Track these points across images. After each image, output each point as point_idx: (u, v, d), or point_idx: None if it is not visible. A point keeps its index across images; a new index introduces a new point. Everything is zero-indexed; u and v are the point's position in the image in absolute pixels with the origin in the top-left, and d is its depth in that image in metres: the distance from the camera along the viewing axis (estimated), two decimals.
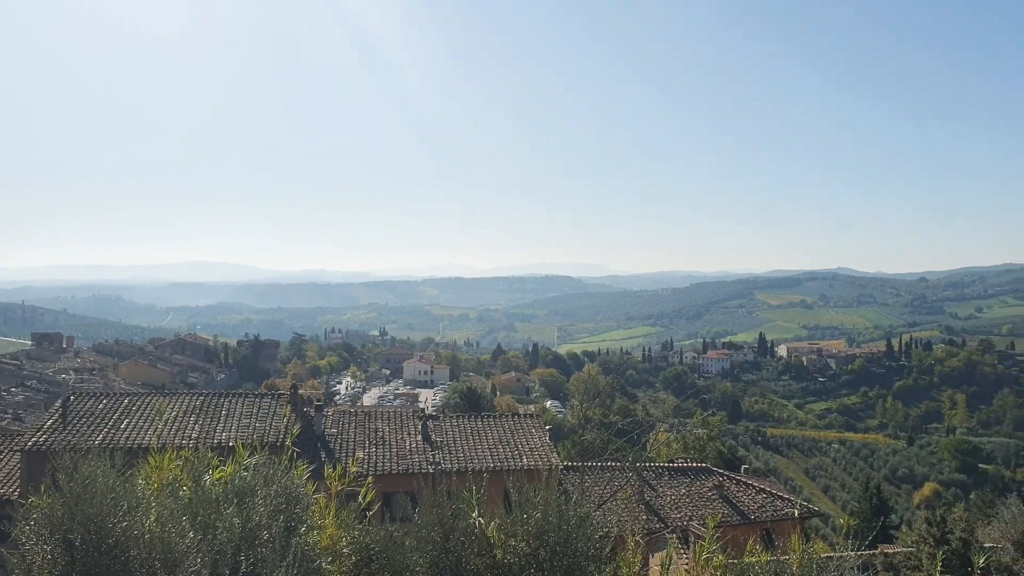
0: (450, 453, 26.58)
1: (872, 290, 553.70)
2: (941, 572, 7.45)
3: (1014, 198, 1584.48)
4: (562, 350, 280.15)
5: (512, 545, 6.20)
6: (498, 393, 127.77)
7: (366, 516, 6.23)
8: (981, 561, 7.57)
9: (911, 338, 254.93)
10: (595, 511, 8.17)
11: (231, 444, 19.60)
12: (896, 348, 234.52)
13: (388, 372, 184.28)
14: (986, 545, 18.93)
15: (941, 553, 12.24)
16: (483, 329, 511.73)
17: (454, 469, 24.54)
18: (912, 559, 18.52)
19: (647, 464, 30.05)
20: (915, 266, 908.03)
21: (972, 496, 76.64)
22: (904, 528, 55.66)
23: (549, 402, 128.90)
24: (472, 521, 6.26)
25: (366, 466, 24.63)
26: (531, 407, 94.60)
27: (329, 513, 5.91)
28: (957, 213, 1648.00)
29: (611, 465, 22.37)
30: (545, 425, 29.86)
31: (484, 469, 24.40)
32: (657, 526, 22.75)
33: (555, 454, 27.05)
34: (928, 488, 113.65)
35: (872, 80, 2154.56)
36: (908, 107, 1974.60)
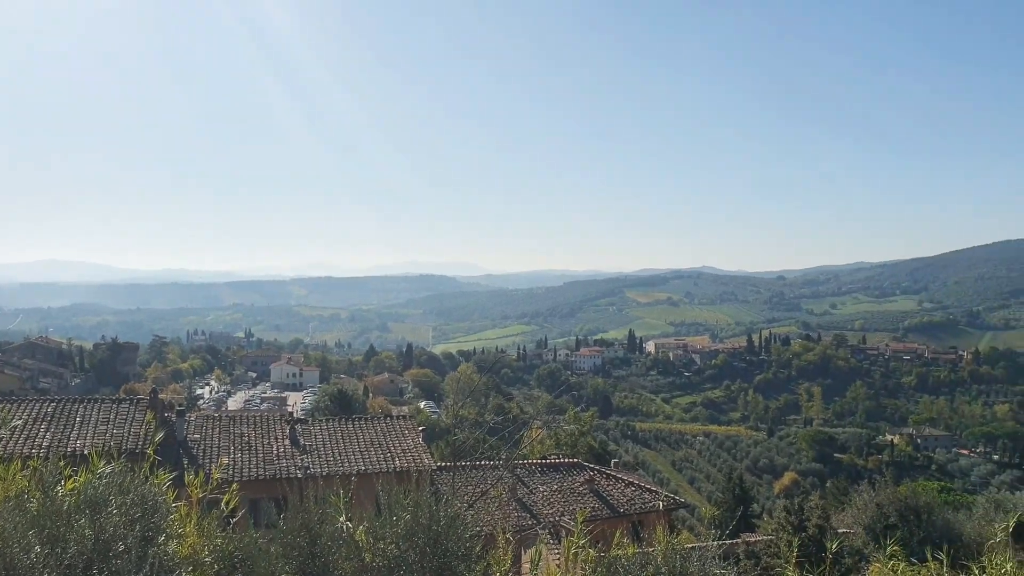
0: (320, 457, 26.13)
1: (734, 288, 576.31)
2: (798, 558, 7.80)
3: (865, 202, 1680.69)
4: (437, 350, 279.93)
5: (381, 548, 6.15)
6: (371, 395, 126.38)
7: (230, 523, 6.07)
8: (834, 546, 7.96)
9: (770, 334, 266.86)
10: (466, 511, 8.20)
11: (85, 452, 18.66)
12: (756, 343, 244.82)
13: (255, 375, 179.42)
14: (840, 531, 20.01)
15: (798, 540, 12.83)
16: (355, 330, 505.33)
17: (323, 473, 24.15)
18: (772, 546, 19.41)
19: (521, 462, 30.38)
20: (774, 265, 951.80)
21: (828, 484, 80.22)
22: (765, 517, 58.04)
23: (423, 403, 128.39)
24: (340, 525, 6.19)
25: (231, 472, 23.92)
26: (405, 408, 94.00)
27: (190, 521, 5.72)
28: (813, 215, 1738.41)
29: (485, 464, 22.51)
30: (419, 426, 29.74)
31: (354, 472, 24.12)
32: (529, 523, 23.02)
33: (428, 455, 27.00)
34: (787, 477, 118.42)
35: (735, 82, 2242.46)
36: (769, 111, 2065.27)
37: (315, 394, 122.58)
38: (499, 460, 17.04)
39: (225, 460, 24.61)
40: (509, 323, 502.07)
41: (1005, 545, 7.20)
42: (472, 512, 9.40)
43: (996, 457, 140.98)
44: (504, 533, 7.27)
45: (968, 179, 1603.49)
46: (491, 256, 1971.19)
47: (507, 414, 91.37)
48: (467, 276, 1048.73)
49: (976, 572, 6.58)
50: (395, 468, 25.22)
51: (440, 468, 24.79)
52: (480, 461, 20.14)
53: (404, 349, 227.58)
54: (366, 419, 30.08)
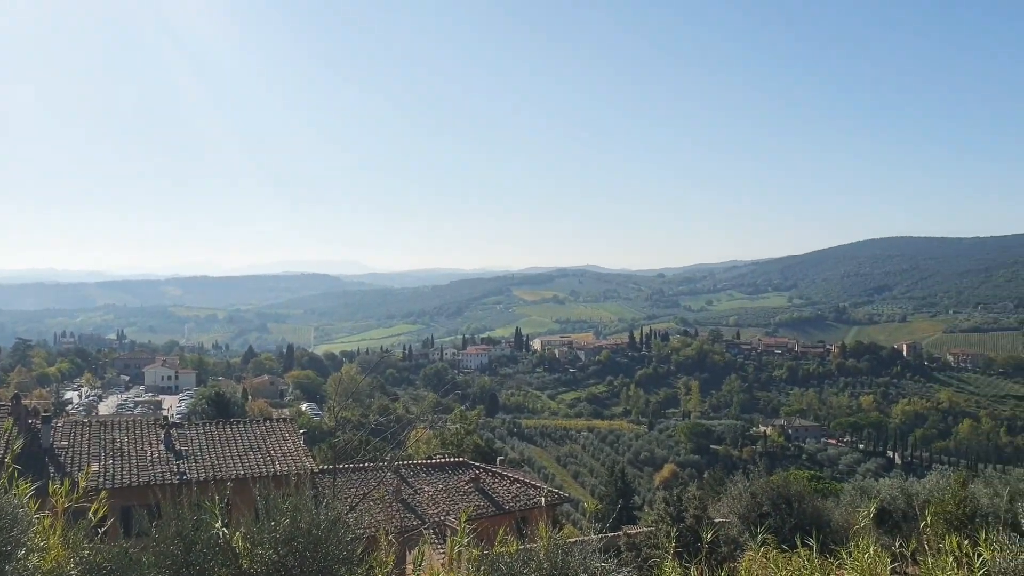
0: (196, 462, 25.28)
1: (616, 286, 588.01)
2: (676, 548, 8.00)
3: (738, 203, 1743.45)
4: (319, 351, 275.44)
5: (259, 554, 6.00)
6: (250, 397, 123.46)
7: (99, 533, 5.79)
8: (709, 536, 8.20)
9: (651, 330, 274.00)
10: (348, 513, 8.07)
11: None
12: (638, 339, 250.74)
13: (128, 378, 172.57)
14: (716, 520, 20.62)
15: (677, 531, 13.14)
16: (233, 331, 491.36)
17: (200, 479, 23.38)
18: (652, 538, 19.82)
19: (405, 462, 30.19)
20: (655, 263, 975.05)
21: (705, 475, 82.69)
22: (646, 508, 59.58)
23: (305, 405, 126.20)
24: (216, 532, 5.99)
25: (101, 480, 22.89)
26: (285, 411, 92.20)
27: (54, 533, 5.43)
28: (690, 215, 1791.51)
29: (368, 465, 22.27)
30: (300, 429, 29.17)
31: (232, 477, 23.45)
32: (414, 523, 22.87)
33: (310, 458, 26.50)
34: (667, 469, 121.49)
35: (612, 84, 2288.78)
36: (644, 115, 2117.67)
37: (192, 397, 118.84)
38: (383, 461, 16.91)
39: (95, 467, 23.53)
40: (395, 323, 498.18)
41: (869, 529, 7.58)
42: (354, 515, 9.27)
43: (861, 446, 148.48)
44: (387, 534, 7.21)
45: (834, 180, 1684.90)
46: (376, 254, 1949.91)
47: (392, 414, 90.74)
48: (351, 275, 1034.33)
49: (843, 556, 6.91)
50: (275, 472, 24.63)
51: (322, 471, 24.36)
52: (363, 463, 19.94)
53: (285, 350, 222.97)
54: (245, 422, 29.27)
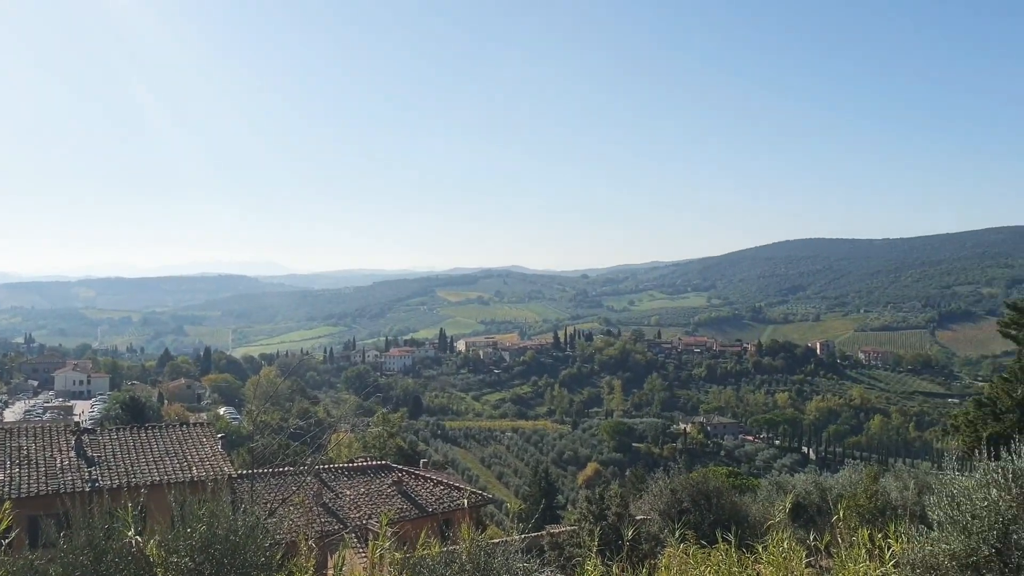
0: (109, 469, 24.49)
1: (541, 286, 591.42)
2: (599, 546, 8.06)
3: (660, 205, 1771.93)
4: (238, 353, 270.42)
5: (174, 562, 5.86)
6: (166, 402, 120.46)
7: (2, 545, 5.59)
8: (630, 533, 8.28)
9: (575, 330, 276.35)
10: (267, 519, 7.94)
11: None
12: (562, 340, 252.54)
13: (36, 383, 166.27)
14: (637, 517, 20.88)
15: (599, 529, 13.25)
16: (148, 333, 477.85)
17: (113, 486, 22.68)
18: (575, 536, 20.00)
19: (326, 466, 29.84)
20: (579, 264, 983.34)
21: (627, 473, 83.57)
22: (569, 507, 60.05)
23: (223, 409, 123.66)
24: (129, 540, 5.83)
25: (6, 489, 22.01)
26: (203, 415, 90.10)
27: None
28: (613, 217, 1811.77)
29: (288, 470, 21.93)
30: (218, 433, 28.58)
31: (147, 484, 22.80)
32: (336, 527, 22.62)
33: (228, 463, 25.94)
34: (590, 468, 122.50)
35: (538, 86, 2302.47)
36: (568, 116, 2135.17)
37: (105, 402, 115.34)
38: (303, 465, 16.68)
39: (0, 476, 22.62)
40: (315, 324, 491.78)
41: (785, 524, 7.75)
42: (273, 520, 9.13)
43: (777, 442, 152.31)
44: (307, 539, 7.10)
45: (751, 183, 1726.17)
46: (296, 255, 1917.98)
47: (312, 418, 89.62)
48: (270, 276, 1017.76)
49: (759, 550, 7.06)
50: (192, 478, 24.04)
51: (240, 476, 23.87)
52: (283, 467, 19.65)
53: (202, 353, 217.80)
54: (160, 427, 28.49)
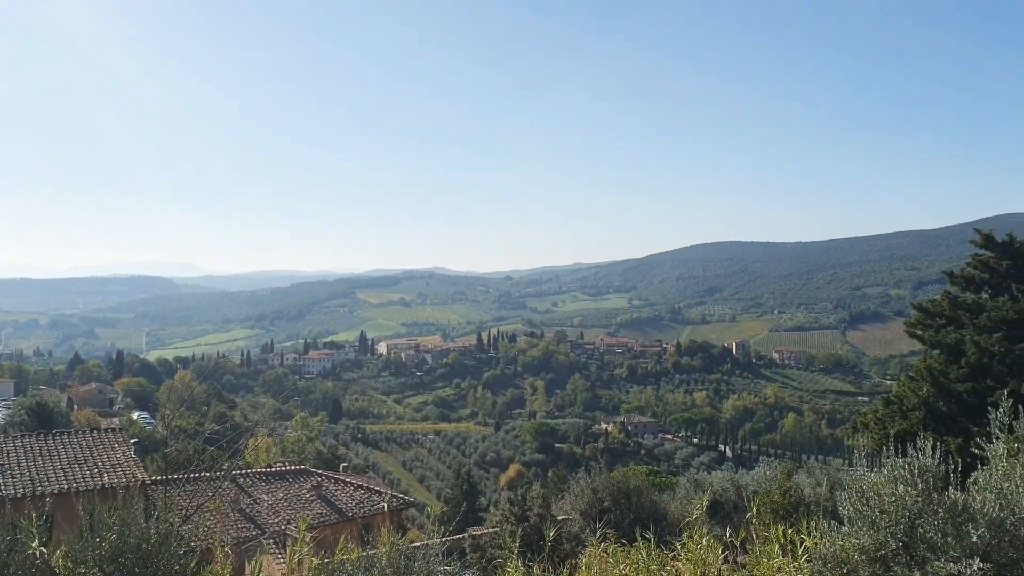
0: (13, 477, 23.57)
1: (464, 288, 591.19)
2: (520, 548, 8.08)
3: (583, 207, 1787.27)
4: (152, 357, 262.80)
5: (82, 572, 5.68)
6: (76, 407, 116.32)
7: None
8: (552, 534, 8.32)
9: (499, 331, 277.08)
10: (181, 526, 7.73)
11: None
12: (486, 341, 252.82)
13: None
14: (559, 518, 21.00)
15: (520, 530, 13.27)
16: (57, 336, 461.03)
17: (17, 495, 21.82)
18: (497, 538, 19.99)
19: (244, 471, 29.30)
20: (502, 265, 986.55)
21: (550, 474, 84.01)
22: (492, 509, 60.03)
23: (136, 413, 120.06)
24: (33, 551, 5.62)
25: None
26: (115, 420, 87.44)
27: None
28: (537, 219, 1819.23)
29: (204, 475, 21.43)
30: (130, 439, 27.77)
31: (54, 492, 22.01)
32: (253, 533, 22.21)
33: (141, 469, 25.23)
34: (513, 469, 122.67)
35: (455, 83, 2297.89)
36: (489, 117, 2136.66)
37: (9, 408, 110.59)
38: (219, 470, 16.31)
39: None
40: (232, 327, 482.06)
41: (702, 521, 7.89)
42: (188, 527, 8.91)
43: (696, 440, 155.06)
44: (223, 546, 6.95)
45: (669, 187, 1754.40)
46: (212, 256, 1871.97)
47: (229, 422, 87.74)
48: (185, 277, 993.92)
49: (678, 547, 7.17)
50: (102, 485, 23.30)
51: (154, 482, 23.23)
52: (198, 473, 19.15)
53: (114, 356, 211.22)
54: (69, 433, 27.53)
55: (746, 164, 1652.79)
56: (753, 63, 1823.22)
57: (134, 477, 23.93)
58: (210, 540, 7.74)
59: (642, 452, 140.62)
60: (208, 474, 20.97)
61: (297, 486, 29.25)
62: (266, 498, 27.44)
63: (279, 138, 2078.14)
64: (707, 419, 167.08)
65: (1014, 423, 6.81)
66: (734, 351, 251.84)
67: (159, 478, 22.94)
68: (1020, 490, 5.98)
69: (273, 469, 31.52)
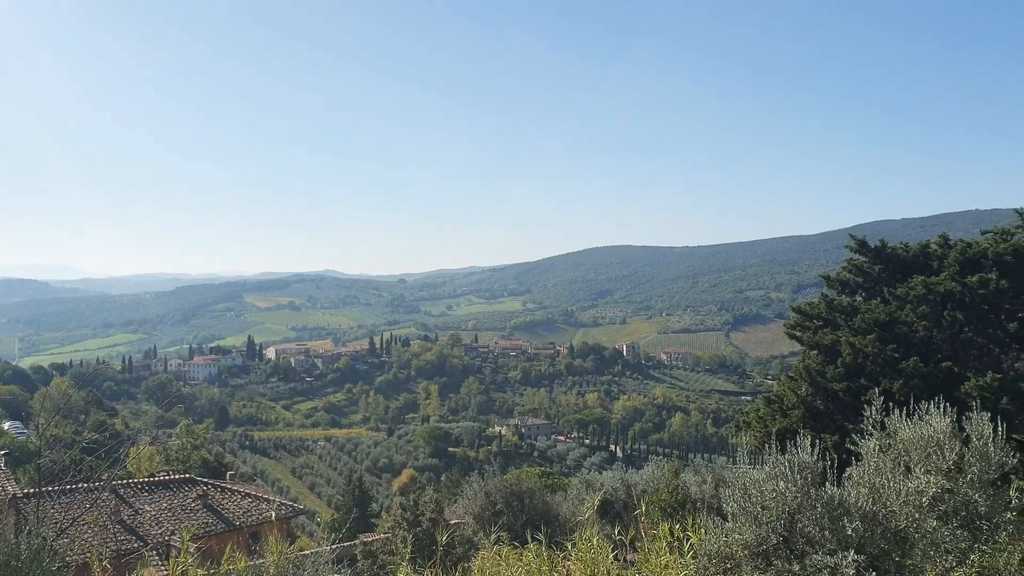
0: None
1: (356, 291, 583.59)
2: (412, 553, 8.01)
3: (476, 210, 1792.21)
4: (25, 363, 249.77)
5: None
6: None
7: None
8: (444, 538, 8.28)
9: (391, 335, 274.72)
10: (56, 540, 7.39)
11: None
12: (378, 345, 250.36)
13: None
14: (452, 522, 20.98)
15: (412, 535, 13.20)
16: None
17: None
18: (389, 544, 19.84)
19: (125, 481, 28.22)
20: (396, 268, 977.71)
21: (443, 478, 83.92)
22: (384, 515, 59.47)
23: (8, 423, 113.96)
24: None
25: None
26: None
27: None
28: (430, 221, 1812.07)
29: (81, 487, 20.53)
30: (1, 450, 26.41)
31: None
32: (135, 545, 21.40)
33: (12, 481, 23.97)
34: (405, 474, 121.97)
35: (344, 83, 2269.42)
36: (381, 119, 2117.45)
37: None
38: (98, 481, 15.61)
39: None
40: (113, 332, 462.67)
41: (593, 521, 7.99)
42: (63, 540, 8.53)
43: (588, 441, 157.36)
44: (100, 559, 6.66)
45: (560, 190, 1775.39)
46: (92, 258, 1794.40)
47: (109, 430, 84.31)
48: (62, 280, 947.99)
49: (568, 547, 7.24)
50: None
51: (26, 495, 22.10)
52: (75, 484, 18.32)
53: None
54: None
55: (637, 169, 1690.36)
56: (642, 68, 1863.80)
57: (3, 490, 22.71)
58: (87, 554, 7.43)
59: (535, 454, 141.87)
60: (86, 485, 20.09)
61: (182, 495, 28.34)
62: (149, 509, 26.47)
63: (159, 138, 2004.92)
64: (598, 420, 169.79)
65: (886, 420, 7.15)
66: (624, 353, 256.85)
67: (32, 490, 21.84)
68: (890, 484, 6.29)
69: (156, 478, 30.46)
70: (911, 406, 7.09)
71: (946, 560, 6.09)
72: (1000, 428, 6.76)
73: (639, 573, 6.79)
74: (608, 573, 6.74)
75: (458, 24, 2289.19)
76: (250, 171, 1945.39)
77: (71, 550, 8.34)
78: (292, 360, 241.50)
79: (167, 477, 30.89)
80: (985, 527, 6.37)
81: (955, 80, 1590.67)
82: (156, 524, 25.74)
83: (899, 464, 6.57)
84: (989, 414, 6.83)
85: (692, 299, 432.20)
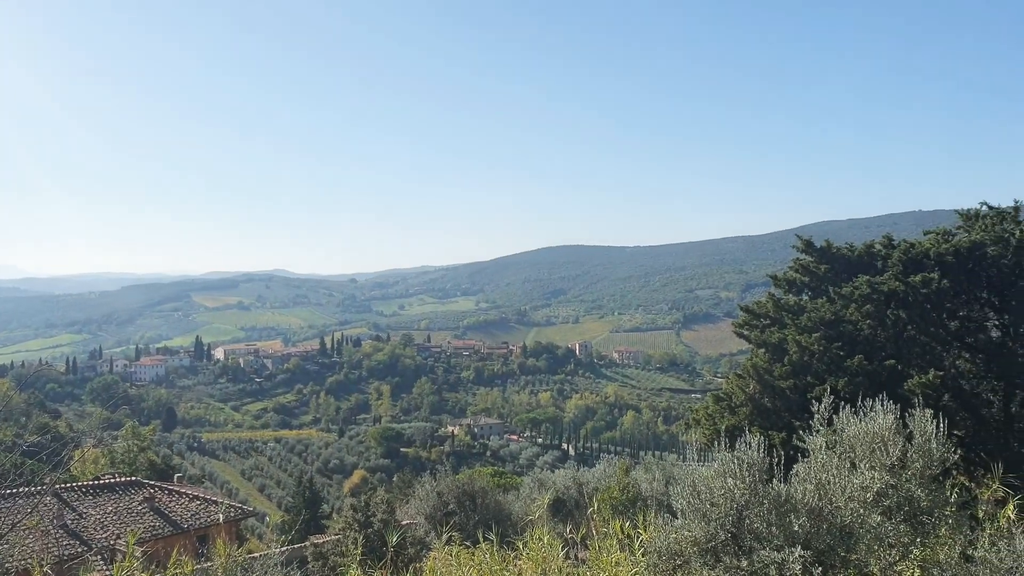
0: None
1: (307, 291, 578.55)
2: (363, 554, 7.97)
3: (429, 209, 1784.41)
4: None
5: None
6: None
7: None
8: (395, 539, 8.26)
9: (343, 335, 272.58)
10: None
11: None
12: (329, 346, 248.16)
13: None
14: (404, 522, 20.90)
15: (363, 537, 13.11)
16: None
17: None
18: (340, 545, 19.70)
19: (68, 485, 27.63)
20: (347, 268, 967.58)
21: (395, 478, 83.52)
22: (335, 516, 59.04)
23: None
24: None
25: None
26: None
27: None
28: (381, 220, 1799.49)
29: (23, 491, 20.03)
30: None
31: None
32: (79, 550, 20.96)
33: None
34: (357, 475, 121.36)
35: (291, 77, 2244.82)
36: (325, 114, 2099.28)
37: None
38: (41, 485, 15.28)
39: None
40: (56, 332, 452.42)
41: (544, 519, 8.02)
42: (3, 547, 8.34)
43: (540, 440, 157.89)
44: (42, 565, 6.52)
45: (512, 189, 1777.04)
46: (34, 256, 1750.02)
47: (52, 433, 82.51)
48: (3, 280, 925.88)
49: (520, 546, 7.25)
50: None
51: None
52: (16, 488, 17.88)
53: None
54: None
55: (590, 169, 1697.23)
56: (594, 70, 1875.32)
57: None
58: (28, 560, 7.27)
59: (488, 454, 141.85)
60: (27, 489, 19.62)
61: (127, 499, 27.84)
62: (93, 513, 25.96)
63: (102, 133, 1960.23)
64: (551, 419, 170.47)
65: (832, 417, 7.29)
66: (577, 352, 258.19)
67: None
68: (836, 480, 6.40)
69: (101, 482, 29.87)
70: (856, 403, 7.23)
71: (890, 554, 6.22)
72: (942, 424, 6.93)
73: (590, 571, 6.82)
74: (559, 571, 6.76)
75: (397, 17, 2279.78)
76: (197, 168, 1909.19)
77: (11, 556, 8.15)
78: (241, 361, 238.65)
79: (112, 480, 30.33)
80: (927, 521, 6.52)
81: (898, 83, 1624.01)
82: (101, 528, 25.25)
83: (845, 460, 6.70)
84: (931, 411, 7.00)
85: (644, 298, 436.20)
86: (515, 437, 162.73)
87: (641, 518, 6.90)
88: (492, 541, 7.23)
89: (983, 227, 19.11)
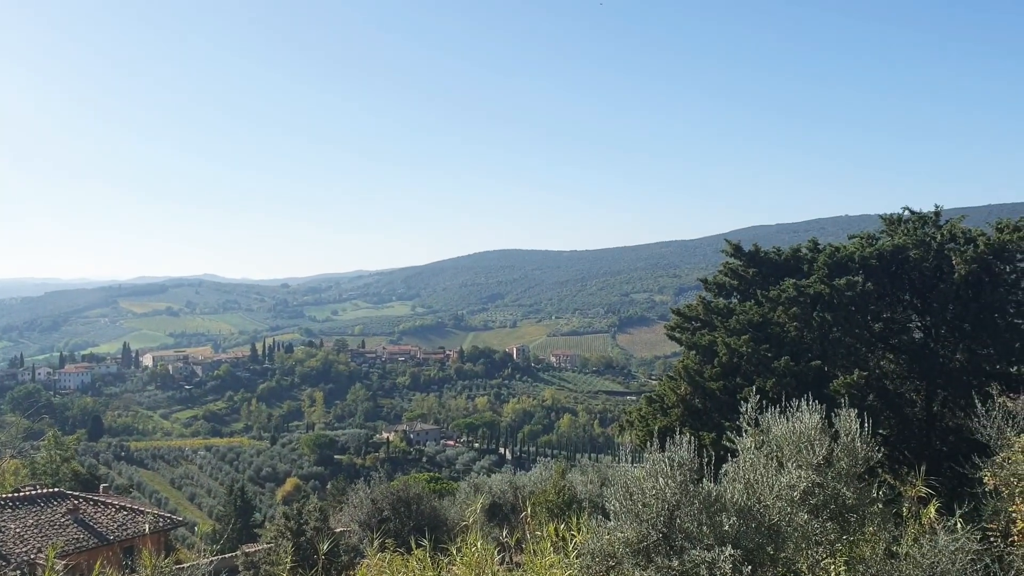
0: None
1: (237, 296, 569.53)
2: (295, 562, 7.84)
3: (362, 213, 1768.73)
4: None
5: None
6: None
7: None
8: (326, 547, 8.14)
9: (274, 341, 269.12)
10: None
11: None
12: (260, 352, 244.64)
13: None
14: (337, 530, 20.65)
15: (294, 545, 12.92)
16: None
17: None
18: (272, 554, 19.37)
19: None
20: (279, 273, 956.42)
21: (328, 486, 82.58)
22: (267, 525, 58.17)
23: None
24: None
25: None
26: None
27: None
28: (314, 224, 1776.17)
29: None
30: None
31: None
32: None
33: None
34: (290, 483, 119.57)
35: (209, 81, 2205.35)
36: (256, 113, 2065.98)
37: None
38: None
39: None
40: None
41: (479, 524, 7.99)
42: None
43: (477, 445, 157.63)
44: None
45: (447, 193, 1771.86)
46: None
47: None
48: None
49: (453, 551, 7.21)
50: None
51: None
52: None
53: None
54: None
55: (525, 174, 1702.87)
56: (528, 74, 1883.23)
57: None
58: None
59: (424, 459, 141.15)
60: None
61: (50, 511, 26.97)
62: (12, 526, 25.09)
63: (22, 133, 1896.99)
64: (488, 423, 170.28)
65: (760, 418, 7.41)
66: (515, 356, 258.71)
67: None
68: (764, 479, 6.50)
69: (21, 494, 28.90)
70: (784, 403, 7.36)
71: (817, 552, 6.34)
72: (867, 424, 7.10)
73: (525, 574, 6.82)
74: (494, 575, 6.75)
75: (332, 17, 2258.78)
76: (122, 170, 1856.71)
77: None
78: (170, 367, 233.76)
79: (33, 492, 29.37)
80: (853, 519, 6.66)
81: (825, 90, 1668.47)
82: (20, 542, 24.44)
83: (772, 460, 6.81)
84: (856, 410, 7.16)
85: (580, 302, 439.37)
86: (452, 442, 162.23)
87: (575, 520, 6.93)
88: (426, 547, 7.18)
89: (906, 231, 19.65)
